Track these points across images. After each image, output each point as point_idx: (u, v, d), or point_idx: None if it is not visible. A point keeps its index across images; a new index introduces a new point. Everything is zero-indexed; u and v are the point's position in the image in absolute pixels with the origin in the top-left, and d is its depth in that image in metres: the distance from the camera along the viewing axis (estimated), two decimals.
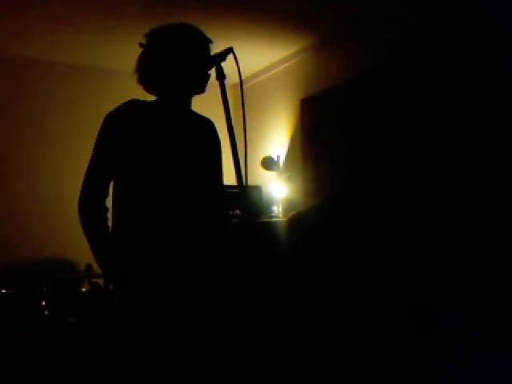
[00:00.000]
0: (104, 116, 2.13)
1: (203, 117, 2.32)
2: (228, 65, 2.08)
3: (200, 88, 2.19)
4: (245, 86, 2.17)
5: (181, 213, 2.12)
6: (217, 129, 2.35)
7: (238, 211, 4.16)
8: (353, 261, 3.01)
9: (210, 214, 2.22)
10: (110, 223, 2.13)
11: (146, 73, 2.17)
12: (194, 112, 2.30)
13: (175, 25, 2.19)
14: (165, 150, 2.11)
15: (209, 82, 2.19)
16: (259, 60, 5.18)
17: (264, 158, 4.88)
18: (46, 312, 3.78)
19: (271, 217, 4.75)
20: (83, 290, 4.06)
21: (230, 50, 2.11)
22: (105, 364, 3.03)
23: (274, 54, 5.09)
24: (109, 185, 2.12)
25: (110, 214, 2.14)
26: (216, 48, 2.17)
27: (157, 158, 2.09)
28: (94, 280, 3.99)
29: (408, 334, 2.72)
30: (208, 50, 2.19)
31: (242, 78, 2.13)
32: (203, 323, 2.16)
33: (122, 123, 2.09)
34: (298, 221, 3.31)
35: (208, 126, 2.34)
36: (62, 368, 3.40)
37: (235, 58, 2.10)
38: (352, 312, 2.85)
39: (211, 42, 2.21)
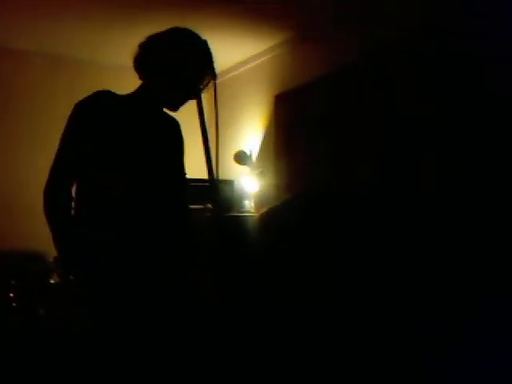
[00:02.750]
0: (74, 104, 2.10)
1: (170, 115, 2.31)
2: None
3: (178, 100, 2.19)
4: (218, 81, 2.18)
5: (146, 206, 2.11)
6: (181, 129, 2.35)
7: (209, 205, 4.16)
8: (324, 254, 3.03)
9: (174, 210, 2.22)
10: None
11: (151, 58, 2.13)
12: (162, 110, 2.28)
13: (201, 39, 2.14)
14: (133, 141, 2.10)
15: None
16: (233, 54, 5.18)
17: (237, 153, 4.88)
18: (14, 304, 3.75)
19: (243, 211, 4.76)
20: (52, 281, 4.04)
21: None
22: (74, 354, 3.02)
23: (249, 48, 5.09)
24: (76, 174, 2.09)
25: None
26: None
27: (125, 149, 2.07)
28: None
29: (382, 330, 2.76)
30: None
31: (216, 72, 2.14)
32: (171, 315, 2.17)
33: (92, 112, 2.06)
34: (270, 216, 3.32)
35: (174, 125, 2.34)
36: (30, 358, 3.38)
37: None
38: (325, 308, 2.87)
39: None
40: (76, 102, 2.11)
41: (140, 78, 2.18)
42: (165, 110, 2.26)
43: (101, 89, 2.15)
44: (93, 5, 4.12)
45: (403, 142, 3.57)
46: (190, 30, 2.15)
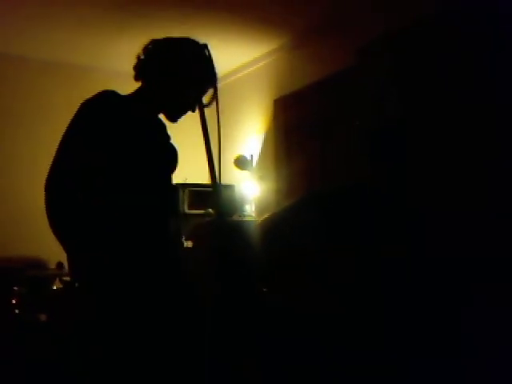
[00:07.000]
0: (83, 102, 2.05)
1: (159, 118, 2.27)
2: None
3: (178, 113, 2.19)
4: (218, 85, 2.19)
5: (158, 212, 2.11)
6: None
7: (210, 210, 4.17)
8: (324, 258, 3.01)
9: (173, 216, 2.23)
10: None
11: (158, 60, 2.11)
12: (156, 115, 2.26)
13: (203, 46, 2.14)
14: (143, 148, 2.08)
15: None
16: (233, 59, 5.20)
17: (237, 157, 4.89)
18: (17, 310, 3.75)
19: (244, 216, 4.77)
20: (54, 287, 4.04)
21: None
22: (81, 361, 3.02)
23: (248, 53, 5.12)
24: (79, 175, 2.01)
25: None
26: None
27: (134, 154, 2.05)
28: (65, 278, 3.97)
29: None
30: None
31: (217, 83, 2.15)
32: (191, 324, 2.16)
33: (103, 112, 2.01)
34: (271, 222, 3.31)
35: (164, 127, 2.28)
36: (32, 365, 3.38)
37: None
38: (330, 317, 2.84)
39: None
40: (75, 107, 2.09)
41: (142, 80, 2.16)
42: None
43: None
44: (91, 11, 4.14)
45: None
46: (198, 43, 2.14)
